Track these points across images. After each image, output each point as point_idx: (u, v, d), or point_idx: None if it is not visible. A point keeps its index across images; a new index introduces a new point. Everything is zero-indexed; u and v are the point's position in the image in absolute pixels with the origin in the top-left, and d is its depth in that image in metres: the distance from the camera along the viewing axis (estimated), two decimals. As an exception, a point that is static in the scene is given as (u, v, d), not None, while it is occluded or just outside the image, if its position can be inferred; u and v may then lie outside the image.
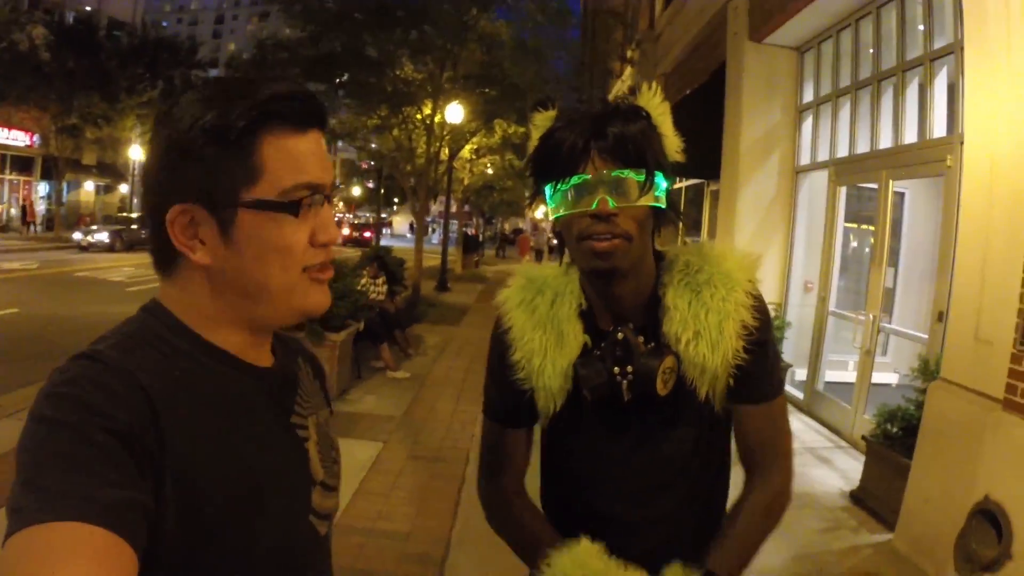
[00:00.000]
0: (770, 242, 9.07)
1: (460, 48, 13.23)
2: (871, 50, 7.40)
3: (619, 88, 18.00)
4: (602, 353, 1.50)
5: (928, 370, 5.24)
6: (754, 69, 9.02)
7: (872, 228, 7.67)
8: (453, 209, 27.63)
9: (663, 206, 1.43)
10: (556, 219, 1.46)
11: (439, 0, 12.06)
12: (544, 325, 1.55)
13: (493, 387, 1.68)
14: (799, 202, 9.05)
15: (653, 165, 1.38)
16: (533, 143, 1.49)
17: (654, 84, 1.52)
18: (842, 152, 7.95)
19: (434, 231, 51.28)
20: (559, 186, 1.41)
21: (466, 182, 26.74)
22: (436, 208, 35.10)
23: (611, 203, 1.35)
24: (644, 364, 1.45)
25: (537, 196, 1.51)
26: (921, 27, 6.50)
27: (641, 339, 1.49)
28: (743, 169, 9.08)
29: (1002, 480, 3.77)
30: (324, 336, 7.26)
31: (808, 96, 8.89)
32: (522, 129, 20.53)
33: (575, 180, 1.38)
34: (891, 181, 6.86)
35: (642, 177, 1.37)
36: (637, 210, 1.38)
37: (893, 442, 5.22)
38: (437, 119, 15.84)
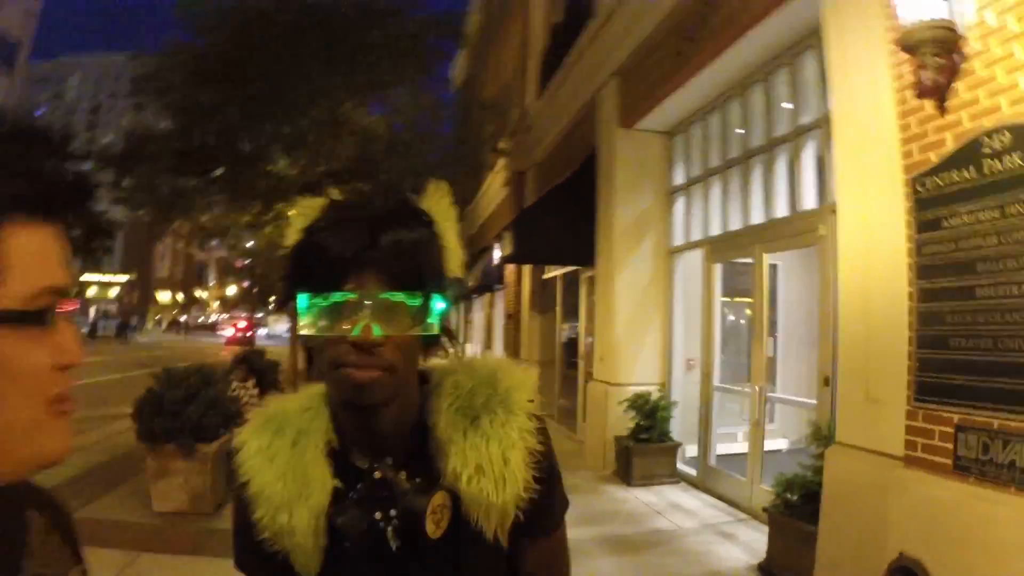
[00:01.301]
0: (649, 323, 9.07)
1: (335, 142, 13.01)
2: (739, 130, 7.57)
3: (492, 180, 18.13)
4: (359, 497, 1.25)
5: (820, 435, 5.22)
6: (625, 155, 9.12)
7: (748, 300, 7.79)
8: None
9: (436, 333, 1.22)
10: (308, 337, 1.19)
11: (314, 94, 11.83)
12: (286, 473, 1.28)
13: (243, 551, 1.36)
14: (675, 282, 9.08)
15: (432, 287, 1.17)
16: (292, 235, 1.24)
17: (442, 184, 1.32)
18: (715, 230, 8.05)
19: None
20: (315, 300, 1.15)
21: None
22: None
23: (376, 331, 1.12)
24: (410, 504, 1.23)
25: (287, 303, 1.23)
26: (788, 105, 6.67)
27: (403, 475, 1.26)
28: (618, 253, 9.08)
29: (915, 535, 3.70)
30: (195, 448, 6.71)
31: (679, 178, 9.04)
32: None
33: (337, 298, 1.13)
34: (764, 254, 6.94)
35: (417, 302, 1.16)
36: (405, 339, 1.17)
37: (794, 510, 5.10)
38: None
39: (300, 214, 1.25)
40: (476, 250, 19.42)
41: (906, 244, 4.04)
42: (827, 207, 5.71)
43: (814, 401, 6.13)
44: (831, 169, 5.65)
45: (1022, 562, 3.13)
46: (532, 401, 1.33)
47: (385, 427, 1.26)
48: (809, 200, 6.31)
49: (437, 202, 1.27)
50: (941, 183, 3.80)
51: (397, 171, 12.77)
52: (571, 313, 12.82)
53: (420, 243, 1.18)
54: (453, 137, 16.83)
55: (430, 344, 1.26)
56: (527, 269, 14.67)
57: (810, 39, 6.00)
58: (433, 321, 1.19)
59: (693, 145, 8.71)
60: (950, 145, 3.75)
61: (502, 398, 1.30)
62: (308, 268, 1.17)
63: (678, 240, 9.02)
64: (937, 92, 3.80)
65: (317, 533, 1.25)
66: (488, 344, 20.87)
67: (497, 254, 16.00)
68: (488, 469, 1.25)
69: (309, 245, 1.18)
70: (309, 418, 1.32)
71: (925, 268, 3.92)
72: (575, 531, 1.44)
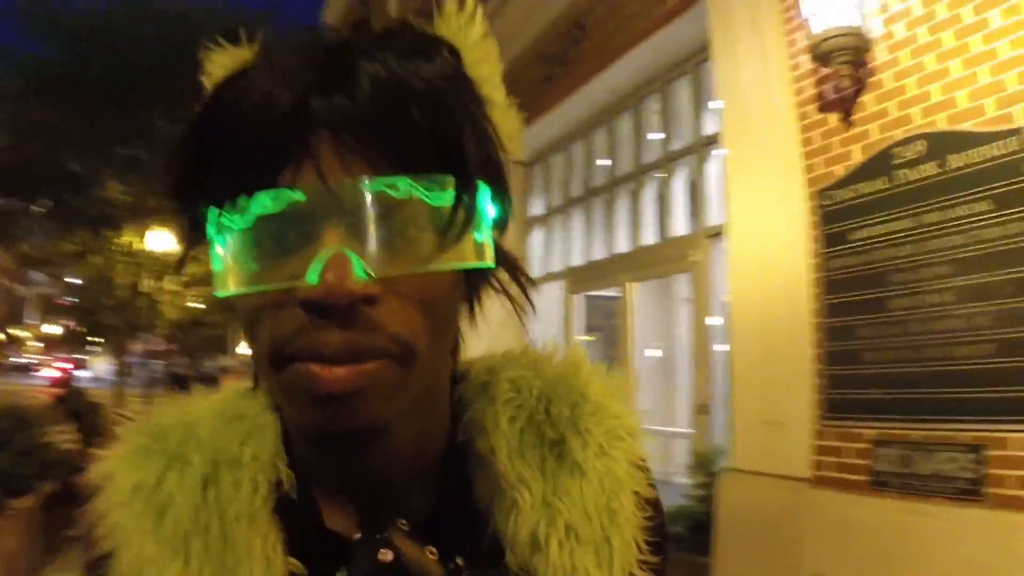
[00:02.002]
0: (505, 359, 8.79)
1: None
2: (604, 159, 7.47)
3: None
4: None
5: (704, 463, 5.05)
6: (483, 184, 8.87)
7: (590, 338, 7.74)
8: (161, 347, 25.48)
9: (490, 264, 0.62)
10: (225, 299, 0.60)
11: (151, 114, 11.02)
12: (190, 542, 0.65)
13: None
14: (536, 314, 8.85)
15: (475, 161, 0.58)
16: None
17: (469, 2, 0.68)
18: (577, 261, 7.87)
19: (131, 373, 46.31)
20: (229, 217, 0.57)
21: (172, 317, 24.74)
22: (140, 347, 31.83)
23: (359, 269, 0.53)
24: None
25: (195, 244, 0.65)
26: (658, 134, 6.62)
27: (433, 553, 0.68)
28: (477, 287, 8.79)
29: (831, 555, 3.61)
30: (5, 504, 5.44)
31: (538, 209, 8.85)
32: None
33: (267, 203, 0.55)
34: (631, 284, 6.84)
35: (446, 199, 0.56)
36: (428, 282, 0.58)
37: (682, 543, 4.89)
38: (139, 246, 14.35)
39: (212, 74, 0.63)
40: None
41: (809, 260, 3.97)
42: (702, 232, 5.67)
43: (690, 430, 5.99)
44: (705, 194, 5.64)
45: (952, 571, 3.05)
46: (633, 413, 0.77)
47: (391, 465, 0.67)
48: (680, 227, 6.23)
49: (460, 28, 0.65)
50: (849, 195, 3.74)
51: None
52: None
53: (435, 80, 0.58)
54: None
55: (477, 289, 0.69)
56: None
57: (684, 65, 5.98)
58: (484, 240, 0.60)
59: (554, 174, 8.56)
60: (858, 157, 3.70)
61: (596, 410, 0.73)
62: (216, 148, 0.57)
63: (536, 272, 8.79)
64: (843, 105, 3.77)
65: None
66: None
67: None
68: (586, 531, 0.68)
69: (217, 105, 0.59)
70: (238, 437, 0.70)
71: (832, 283, 3.84)
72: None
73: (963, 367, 3.15)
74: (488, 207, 0.61)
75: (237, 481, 0.66)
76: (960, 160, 3.21)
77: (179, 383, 28.14)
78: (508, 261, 0.69)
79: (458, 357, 0.76)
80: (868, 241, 3.63)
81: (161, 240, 14.47)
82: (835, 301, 3.81)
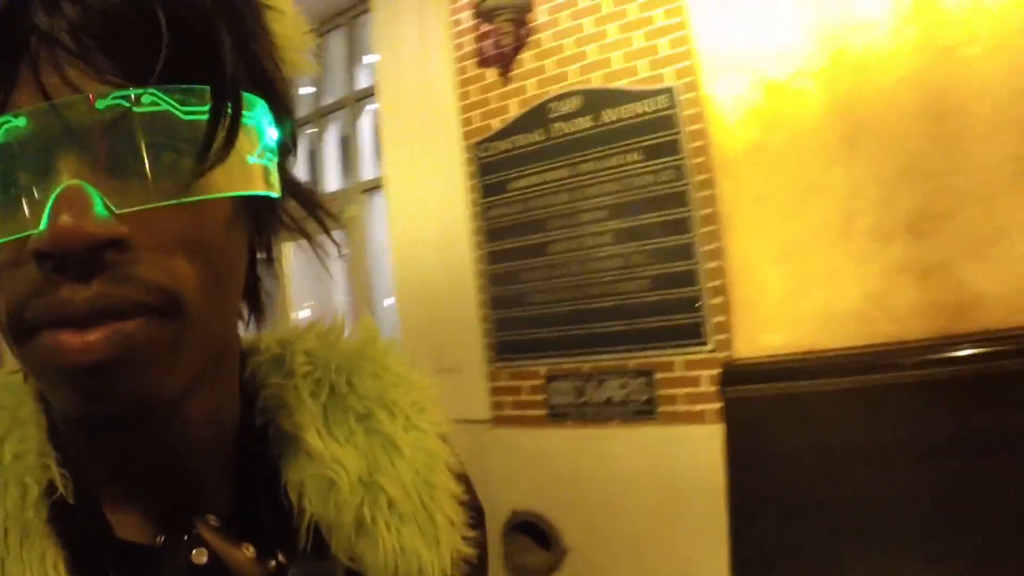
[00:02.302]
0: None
1: None
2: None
3: None
4: None
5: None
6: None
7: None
8: None
9: (273, 192, 0.52)
10: None
11: None
12: None
13: None
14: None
15: (236, 69, 0.46)
16: None
17: None
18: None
19: None
20: None
21: None
22: None
23: (97, 203, 0.41)
24: None
25: None
26: (309, 88, 6.40)
27: (250, 550, 0.57)
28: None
29: (524, 490, 3.73)
30: None
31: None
32: None
33: None
34: (285, 244, 6.57)
35: (203, 110, 0.45)
36: (189, 215, 0.46)
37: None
38: None
39: None
40: None
41: (468, 210, 4.07)
42: (356, 187, 5.58)
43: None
44: (358, 149, 5.56)
45: (633, 485, 3.33)
46: (433, 389, 0.71)
47: (185, 453, 0.57)
48: (332, 183, 6.10)
49: None
50: (506, 147, 3.87)
51: None
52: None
53: None
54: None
55: (266, 233, 0.60)
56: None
57: (339, 19, 5.81)
58: (263, 164, 0.50)
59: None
60: (515, 111, 3.84)
61: (397, 381, 0.68)
62: None
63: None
64: (502, 61, 3.87)
65: None
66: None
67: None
68: (408, 508, 0.62)
69: None
70: None
71: (492, 231, 3.96)
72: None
73: (624, 301, 3.44)
74: (268, 128, 0.51)
75: (3, 489, 0.52)
76: (614, 115, 3.47)
77: None
78: (300, 191, 0.60)
79: (264, 316, 0.66)
80: (526, 190, 3.77)
81: None
82: (496, 248, 3.93)
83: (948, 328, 2.71)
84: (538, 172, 3.74)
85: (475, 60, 4.00)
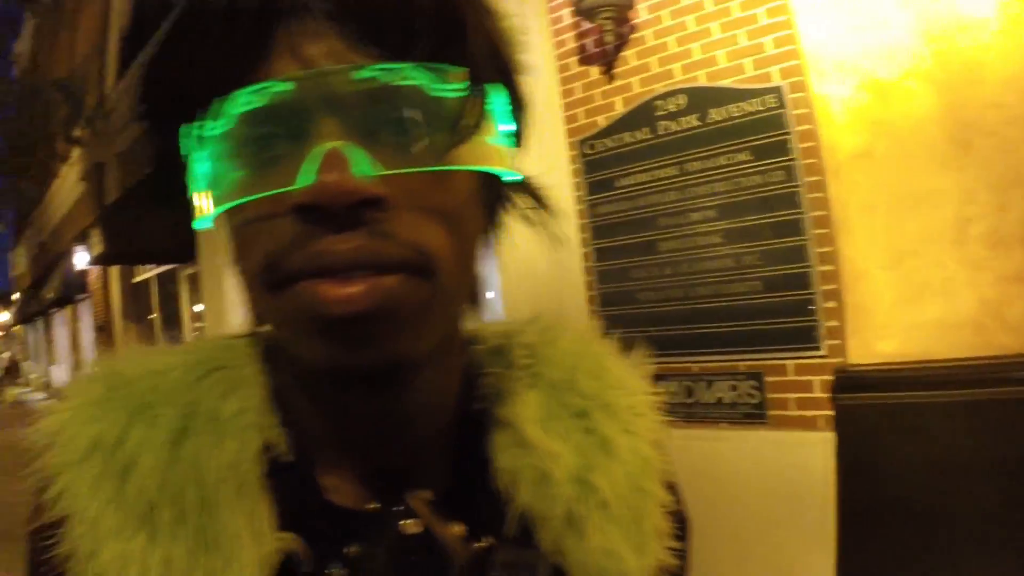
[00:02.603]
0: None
1: None
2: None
3: (67, 174, 15.93)
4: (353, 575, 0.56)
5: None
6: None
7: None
8: None
9: (514, 173, 0.54)
10: (206, 224, 0.51)
11: None
12: (160, 514, 0.53)
13: None
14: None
15: (485, 54, 0.51)
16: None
17: None
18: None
19: None
20: (208, 126, 0.48)
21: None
22: None
23: (361, 163, 0.44)
24: None
25: (171, 178, 0.53)
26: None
27: (458, 529, 0.59)
28: (225, 244, 8.23)
29: None
30: None
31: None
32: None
33: (249, 98, 0.46)
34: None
35: (460, 89, 0.48)
36: (441, 183, 0.49)
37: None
38: None
39: None
40: (53, 255, 17.06)
41: (576, 206, 4.07)
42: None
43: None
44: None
45: (741, 488, 3.33)
46: (652, 395, 0.69)
47: (411, 422, 0.58)
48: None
49: None
50: (612, 144, 3.86)
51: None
52: (171, 317, 11.69)
53: None
54: (21, 123, 14.39)
55: (497, 209, 0.61)
56: (115, 273, 13.18)
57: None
58: (501, 146, 0.52)
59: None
60: (619, 108, 3.82)
61: (616, 383, 0.67)
62: (186, 52, 0.49)
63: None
64: (604, 58, 3.86)
65: None
66: (78, 363, 18.56)
67: (83, 257, 14.08)
68: (619, 512, 0.61)
69: (188, 7, 0.50)
70: (219, 389, 0.59)
71: (599, 228, 3.96)
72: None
73: (735, 303, 3.41)
74: (504, 116, 0.53)
75: (218, 440, 0.55)
76: (720, 114, 3.42)
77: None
78: (527, 184, 0.62)
79: (480, 304, 0.64)
80: (634, 188, 3.76)
81: None
82: (604, 245, 3.93)
83: (1068, 340, 2.59)
84: (646, 170, 3.72)
85: (577, 58, 4.00)
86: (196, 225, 0.51)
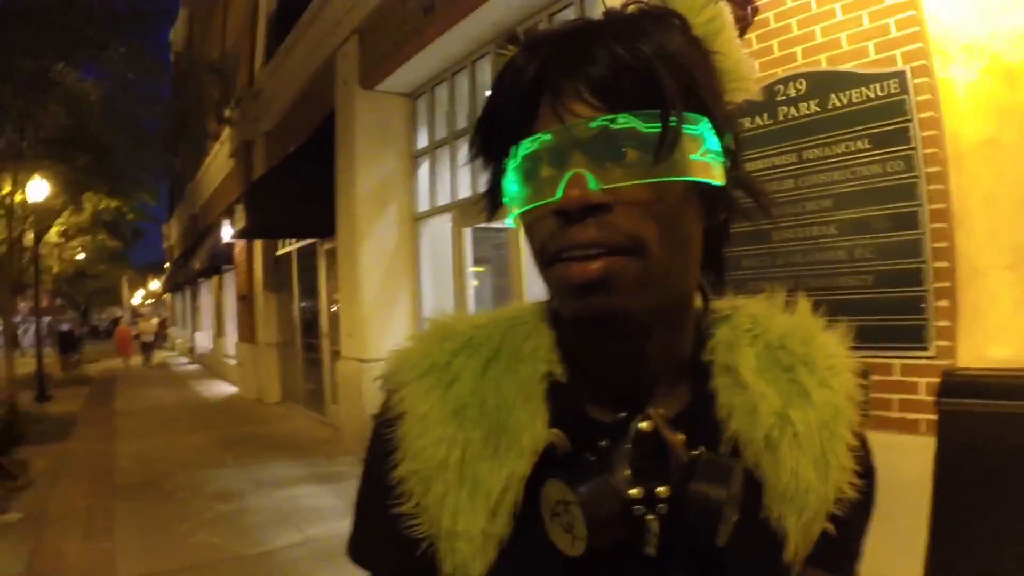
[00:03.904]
0: (398, 294, 8.61)
1: (42, 110, 11.22)
2: (488, 91, 7.29)
3: (217, 151, 16.77)
4: (601, 460, 0.76)
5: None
6: (366, 118, 8.58)
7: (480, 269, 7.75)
8: (44, 303, 23.88)
9: (716, 181, 0.74)
10: (515, 222, 0.80)
11: (14, 53, 9.99)
12: (467, 408, 0.82)
13: (365, 524, 0.91)
14: (422, 249, 8.69)
15: (677, 98, 0.69)
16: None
17: None
18: (464, 194, 7.75)
19: (25, 331, 38.39)
20: (511, 161, 0.77)
21: (55, 270, 23.25)
22: (25, 304, 28.56)
23: (591, 182, 0.69)
24: (702, 489, 0.72)
25: (495, 195, 0.83)
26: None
27: (682, 438, 0.77)
28: (361, 222, 8.52)
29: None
30: None
31: (423, 141, 8.67)
32: (115, 203, 18.18)
33: (528, 146, 0.74)
34: (522, 216, 6.77)
35: (657, 125, 0.69)
36: (650, 191, 0.70)
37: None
38: (18, 198, 13.24)
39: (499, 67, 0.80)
40: (203, 228, 17.99)
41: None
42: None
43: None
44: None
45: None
46: (853, 360, 0.87)
47: (643, 358, 0.80)
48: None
49: (692, 4, 0.80)
50: (733, 129, 3.74)
51: (115, 139, 11.40)
52: (309, 290, 12.14)
53: (658, 49, 0.70)
54: (175, 104, 15.26)
55: (717, 205, 0.78)
56: (259, 246, 13.76)
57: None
58: (709, 159, 0.72)
59: (438, 107, 8.35)
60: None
61: (822, 347, 0.85)
62: (493, 113, 0.79)
63: (423, 206, 8.65)
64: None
65: (499, 512, 0.78)
66: (220, 330, 19.52)
67: (228, 231, 14.82)
68: (809, 443, 0.79)
69: (496, 84, 0.79)
70: (520, 335, 0.86)
71: (715, 216, 3.86)
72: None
73: (846, 296, 3.26)
74: (711, 137, 0.73)
75: (517, 368, 0.83)
76: (841, 99, 3.28)
77: (66, 340, 26.21)
78: (746, 183, 0.83)
79: (723, 283, 0.90)
80: (752, 174, 3.65)
81: (39, 189, 13.59)
82: (720, 233, 3.85)
83: None
84: (764, 156, 3.60)
85: (706, 40, 3.93)
86: (507, 223, 0.80)
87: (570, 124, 0.70)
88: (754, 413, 0.79)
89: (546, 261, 0.73)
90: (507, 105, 0.75)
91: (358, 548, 0.91)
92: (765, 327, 0.86)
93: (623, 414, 0.78)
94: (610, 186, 0.68)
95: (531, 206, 0.73)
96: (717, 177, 0.73)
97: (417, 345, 0.89)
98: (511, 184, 0.76)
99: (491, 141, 0.80)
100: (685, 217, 0.74)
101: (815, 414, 0.80)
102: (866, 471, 0.84)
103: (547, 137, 0.71)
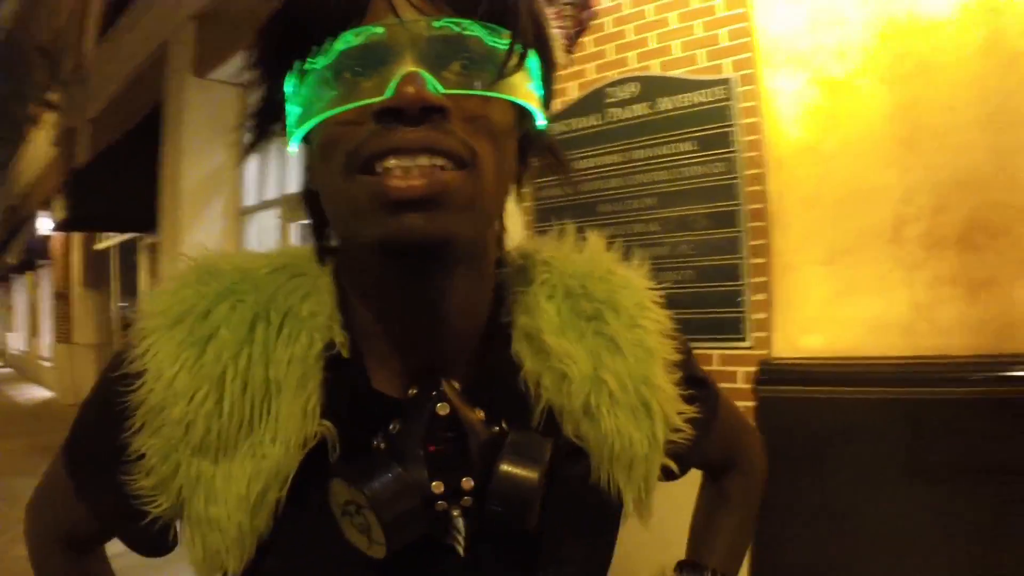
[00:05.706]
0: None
1: None
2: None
3: (38, 138, 15.41)
4: (391, 449, 0.66)
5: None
6: (197, 107, 7.99)
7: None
8: None
9: (540, 112, 0.66)
10: (300, 138, 0.63)
11: None
12: (229, 385, 0.65)
13: (92, 478, 0.74)
14: (248, 244, 8.04)
15: (528, 24, 0.63)
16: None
17: None
18: (292, 188, 7.35)
19: None
20: (313, 61, 0.60)
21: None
22: None
23: (430, 83, 0.56)
24: (507, 474, 0.65)
25: (266, 115, 0.69)
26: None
27: (481, 414, 0.69)
28: (185, 216, 7.91)
29: None
30: None
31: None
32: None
33: (350, 39, 0.58)
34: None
35: (503, 41, 0.60)
36: (489, 106, 0.61)
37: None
38: None
39: None
40: (18, 220, 16.48)
41: (519, 189, 3.90)
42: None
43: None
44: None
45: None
46: (657, 292, 0.83)
47: (447, 316, 0.67)
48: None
49: None
50: (562, 129, 3.72)
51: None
52: (129, 287, 11.36)
53: None
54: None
55: (528, 148, 0.71)
56: (76, 240, 12.69)
57: None
58: (534, 91, 0.64)
59: (272, 99, 7.95)
60: (574, 94, 3.68)
61: (624, 283, 0.79)
62: (295, 7, 0.62)
63: (250, 200, 8.17)
64: (564, 43, 3.69)
65: (258, 513, 0.64)
66: (34, 331, 17.90)
67: (47, 223, 13.57)
68: (624, 398, 0.73)
69: None
70: (294, 291, 0.69)
71: (543, 211, 3.84)
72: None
73: (668, 290, 3.22)
74: (538, 80, 0.65)
75: (293, 333, 0.67)
76: (670, 103, 3.28)
77: None
78: (550, 143, 0.74)
79: (503, 238, 0.78)
80: (579, 173, 3.64)
81: None
82: (547, 228, 3.77)
83: (995, 347, 2.45)
84: (592, 156, 3.58)
85: (536, 43, 3.87)
86: (289, 146, 0.63)
87: (409, 19, 0.57)
88: (564, 380, 0.71)
89: (356, 165, 0.57)
90: None
91: (84, 491, 0.75)
92: (561, 270, 0.78)
93: (414, 391, 0.67)
94: (452, 91, 0.57)
95: (347, 107, 0.57)
96: (541, 112, 0.65)
97: (171, 286, 0.70)
98: (310, 90, 0.60)
99: (287, 42, 0.62)
100: (511, 148, 0.66)
101: (627, 365, 0.74)
102: (698, 382, 0.85)
103: (378, 30, 0.57)
